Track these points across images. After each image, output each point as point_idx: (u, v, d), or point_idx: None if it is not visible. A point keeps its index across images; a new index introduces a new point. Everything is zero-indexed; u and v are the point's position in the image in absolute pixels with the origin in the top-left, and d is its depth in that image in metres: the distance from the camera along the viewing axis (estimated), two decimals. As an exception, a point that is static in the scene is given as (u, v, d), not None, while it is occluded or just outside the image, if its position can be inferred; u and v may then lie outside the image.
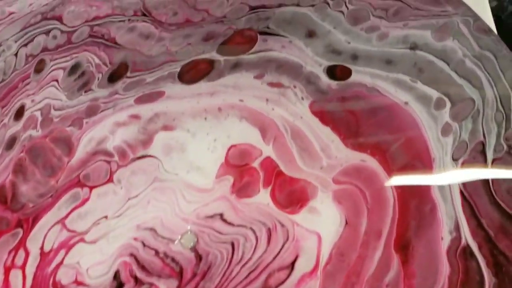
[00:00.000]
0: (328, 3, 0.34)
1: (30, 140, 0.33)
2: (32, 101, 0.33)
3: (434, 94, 0.34)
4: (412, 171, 0.34)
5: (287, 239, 0.35)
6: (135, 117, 0.35)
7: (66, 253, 0.33)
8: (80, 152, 0.34)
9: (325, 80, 0.35)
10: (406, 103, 0.34)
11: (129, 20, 0.34)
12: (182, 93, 0.35)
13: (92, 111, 0.34)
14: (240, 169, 0.35)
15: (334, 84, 0.35)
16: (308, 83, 0.35)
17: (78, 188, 0.34)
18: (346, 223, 0.34)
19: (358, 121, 0.35)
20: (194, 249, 0.34)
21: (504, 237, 0.31)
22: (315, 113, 0.35)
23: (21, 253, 0.33)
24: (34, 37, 0.33)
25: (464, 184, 0.33)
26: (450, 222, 0.32)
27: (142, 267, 0.34)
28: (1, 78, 0.33)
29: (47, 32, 0.33)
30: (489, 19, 0.40)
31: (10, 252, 0.32)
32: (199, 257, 0.34)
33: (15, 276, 0.32)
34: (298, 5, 0.34)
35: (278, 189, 0.35)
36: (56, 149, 0.34)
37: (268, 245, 0.35)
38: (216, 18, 0.34)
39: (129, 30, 0.34)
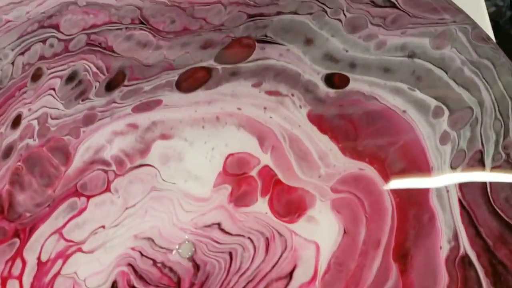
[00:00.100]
0: (326, 11, 0.34)
1: (27, 149, 0.33)
2: (29, 110, 0.33)
3: (432, 102, 0.34)
4: (410, 179, 0.34)
5: (285, 248, 0.35)
6: (133, 126, 0.35)
7: (64, 263, 0.33)
8: (77, 161, 0.34)
9: (323, 88, 0.35)
10: (404, 111, 0.34)
11: (126, 28, 0.34)
12: (179, 101, 0.35)
13: (89, 120, 0.34)
14: (238, 178, 0.35)
15: (332, 92, 0.35)
16: (306, 91, 0.35)
17: (75, 198, 0.34)
18: (345, 232, 0.34)
19: (356, 129, 0.35)
20: (192, 259, 0.35)
21: (502, 246, 0.31)
22: (313, 121, 0.35)
23: (18, 263, 0.33)
24: (31, 46, 0.33)
25: (463, 193, 0.33)
26: (448, 231, 0.32)
27: (140, 277, 0.34)
28: (-3, 86, 0.33)
29: (44, 41, 0.33)
30: (487, 27, 0.40)
31: (7, 262, 0.32)
32: (197, 267, 0.34)
33: (12, 286, 0.32)
34: (296, 13, 0.34)
35: (276, 198, 0.35)
36: (53, 158, 0.34)
37: (266, 255, 0.35)
38: (214, 26, 0.34)
39: (127, 39, 0.34)
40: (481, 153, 0.33)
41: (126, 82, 0.34)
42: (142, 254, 0.34)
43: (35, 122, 0.33)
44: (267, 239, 0.35)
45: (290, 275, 0.34)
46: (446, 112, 0.33)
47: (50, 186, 0.34)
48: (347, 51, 0.34)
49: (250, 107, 0.35)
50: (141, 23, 0.34)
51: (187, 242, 0.35)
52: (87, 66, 0.34)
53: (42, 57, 0.33)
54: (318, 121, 0.35)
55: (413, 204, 0.33)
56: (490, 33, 0.40)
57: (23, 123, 0.33)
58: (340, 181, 0.35)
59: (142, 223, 0.35)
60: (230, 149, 0.35)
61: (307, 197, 0.35)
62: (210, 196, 0.35)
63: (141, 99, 0.35)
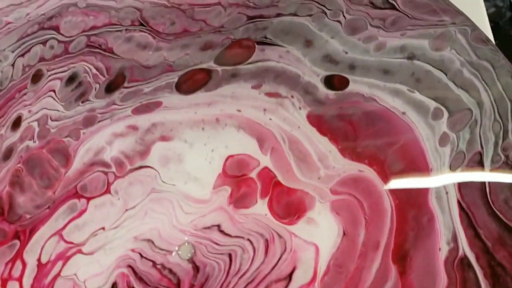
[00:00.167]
0: (325, 13, 0.34)
1: (27, 151, 0.33)
2: (29, 111, 0.33)
3: (431, 104, 0.34)
4: (410, 181, 0.34)
5: (285, 250, 0.35)
6: (133, 127, 0.35)
7: (64, 264, 0.33)
8: (77, 163, 0.34)
9: (322, 90, 0.35)
10: (403, 113, 0.34)
11: (126, 30, 0.34)
12: (179, 103, 0.35)
13: (89, 121, 0.34)
14: (237, 180, 0.35)
15: (331, 94, 0.35)
16: (306, 93, 0.35)
17: (75, 199, 0.34)
18: (344, 234, 0.34)
19: (356, 131, 0.35)
20: (191, 261, 0.35)
21: (501, 248, 0.31)
22: (313, 123, 0.35)
23: (18, 264, 0.33)
24: (31, 47, 0.33)
25: (462, 195, 0.33)
26: (447, 233, 0.32)
27: (140, 279, 0.34)
28: (-2, 88, 0.33)
29: (44, 42, 0.33)
30: (486, 28, 0.40)
31: (7, 264, 0.32)
32: (196, 269, 0.34)
33: (12, 288, 0.33)
34: (295, 15, 0.34)
35: (276, 200, 0.35)
36: (53, 160, 0.34)
37: (265, 257, 0.35)
38: (214, 28, 0.34)
39: (127, 40, 0.34)
40: (480, 154, 0.33)
41: (126, 84, 0.34)
42: (142, 256, 0.34)
43: (35, 124, 0.33)
44: (266, 240, 0.35)
45: (290, 276, 0.34)
46: (446, 114, 0.33)
47: (50, 187, 0.34)
48: (346, 52, 0.34)
49: (250, 109, 0.35)
50: (141, 24, 0.34)
51: (186, 243, 0.35)
52: (87, 68, 0.34)
53: (42, 59, 0.33)
54: (317, 122, 0.35)
55: (412, 206, 0.33)
56: (490, 34, 0.40)
57: (23, 124, 0.33)
58: (339, 182, 0.35)
59: (142, 224, 0.35)
60: (229, 150, 0.36)
61: (306, 198, 0.35)
62: (210, 197, 0.35)
63: (141, 101, 0.35)
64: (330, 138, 0.35)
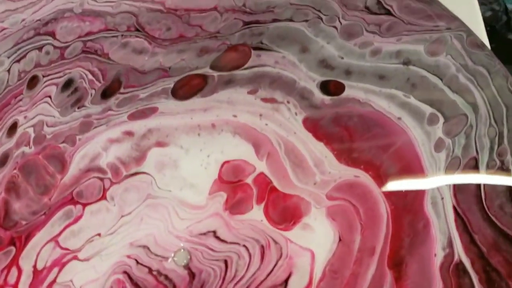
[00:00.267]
0: (321, 18, 0.34)
1: (23, 157, 0.33)
2: (25, 117, 0.33)
3: (427, 109, 0.34)
4: (405, 186, 0.34)
5: (281, 256, 0.35)
6: (128, 133, 0.35)
7: (59, 271, 0.33)
8: (73, 169, 0.34)
9: (318, 95, 0.35)
10: (399, 118, 0.34)
11: (122, 35, 0.34)
12: (175, 109, 0.35)
13: (85, 127, 0.34)
14: (233, 186, 0.35)
15: (327, 99, 0.35)
16: (302, 99, 0.35)
17: (71, 206, 0.34)
18: (340, 239, 0.34)
19: (352, 136, 0.35)
20: (187, 267, 0.35)
21: (496, 253, 0.32)
22: (309, 128, 0.35)
23: (14, 271, 0.33)
24: (26, 53, 0.33)
25: (457, 200, 0.33)
26: (443, 239, 0.32)
27: (136, 285, 0.34)
28: (-7, 94, 0.33)
29: (40, 48, 0.33)
30: (482, 33, 0.40)
31: (2, 270, 0.32)
32: (192, 275, 0.34)
33: (8, 294, 0.33)
34: (291, 20, 0.34)
35: (272, 206, 0.35)
36: (49, 166, 0.34)
37: (261, 263, 0.35)
38: (210, 33, 0.34)
39: (122, 46, 0.34)
40: (476, 160, 0.33)
41: (122, 90, 0.34)
42: (137, 262, 0.34)
43: (31, 130, 0.33)
44: (262, 246, 0.35)
45: (285, 283, 0.34)
46: (441, 119, 0.34)
47: (46, 194, 0.34)
48: (342, 58, 0.34)
49: (245, 114, 0.35)
50: (137, 30, 0.34)
51: (182, 250, 0.35)
52: (83, 74, 0.34)
53: (38, 65, 0.33)
54: (313, 128, 0.35)
55: (408, 212, 0.33)
56: (485, 39, 0.40)
57: (19, 130, 0.33)
58: (335, 188, 0.35)
59: (137, 231, 0.35)
60: (225, 156, 0.36)
61: (302, 204, 0.35)
62: (206, 203, 0.35)
63: (137, 107, 0.35)
64: (326, 143, 0.35)
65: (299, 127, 0.35)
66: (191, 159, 0.35)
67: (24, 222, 0.33)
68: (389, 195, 0.34)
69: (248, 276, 0.34)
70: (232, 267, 0.35)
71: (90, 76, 0.34)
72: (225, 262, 0.35)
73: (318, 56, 0.34)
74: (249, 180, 0.35)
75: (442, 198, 0.33)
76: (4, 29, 0.33)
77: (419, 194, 0.33)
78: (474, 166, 0.33)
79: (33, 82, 0.33)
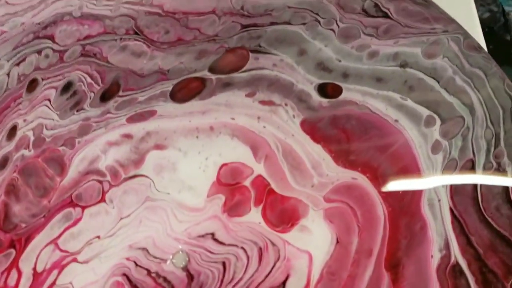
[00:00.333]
0: (319, 21, 0.34)
1: (22, 160, 0.34)
2: (24, 120, 0.33)
3: (424, 111, 0.34)
4: (403, 188, 0.34)
5: (278, 258, 0.35)
6: (127, 136, 0.35)
7: (59, 273, 0.33)
8: (73, 171, 0.34)
9: (316, 98, 0.35)
10: (396, 120, 0.34)
11: (121, 39, 0.34)
12: (174, 112, 0.35)
13: (84, 130, 0.34)
14: (231, 188, 0.35)
15: (325, 102, 0.35)
16: (300, 101, 0.35)
17: (71, 208, 0.34)
18: (337, 242, 0.35)
19: (349, 138, 0.35)
20: (185, 269, 0.35)
21: (493, 255, 0.32)
22: (306, 131, 0.35)
23: (14, 273, 0.33)
24: (26, 56, 0.33)
25: (454, 202, 0.33)
26: (440, 240, 0.33)
27: (135, 287, 0.34)
28: (-7, 98, 0.33)
29: (39, 51, 0.33)
30: (478, 35, 0.40)
31: (2, 273, 0.33)
32: (190, 277, 0.35)
33: (8, 297, 0.33)
34: (289, 23, 0.34)
35: (270, 208, 0.35)
36: (48, 169, 0.34)
37: (259, 265, 0.35)
38: (208, 36, 0.34)
39: (121, 49, 0.34)
40: (473, 162, 0.33)
41: (120, 93, 0.34)
42: (136, 264, 0.34)
43: (30, 133, 0.34)
44: (260, 249, 0.35)
45: (283, 284, 0.34)
46: (438, 122, 0.34)
47: (45, 196, 0.34)
48: (340, 61, 0.34)
49: (243, 117, 0.35)
50: (136, 33, 0.34)
51: (181, 252, 0.35)
52: (82, 77, 0.34)
53: (37, 68, 0.33)
54: (311, 130, 0.35)
55: (405, 214, 0.34)
56: (482, 42, 0.40)
57: (19, 134, 0.33)
58: (333, 190, 0.35)
59: (136, 233, 0.35)
60: (223, 159, 0.36)
61: (300, 206, 0.35)
62: (204, 206, 0.35)
63: (136, 110, 0.35)
64: (324, 145, 0.35)
65: (297, 129, 0.35)
66: (189, 162, 0.36)
67: (23, 225, 0.33)
68: (386, 197, 0.34)
69: (246, 278, 0.35)
70: (230, 269, 0.35)
71: (89, 79, 0.34)
72: (223, 264, 0.35)
73: (315, 58, 0.34)
74: (247, 182, 0.36)
75: (439, 200, 0.33)
76: (4, 32, 0.33)
77: (416, 196, 0.33)
78: (470, 168, 0.33)
79: (32, 85, 0.33)
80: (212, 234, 0.35)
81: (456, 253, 0.32)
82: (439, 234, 0.33)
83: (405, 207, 0.34)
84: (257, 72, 0.35)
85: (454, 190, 0.33)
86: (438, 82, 0.34)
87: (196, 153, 0.36)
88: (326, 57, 0.34)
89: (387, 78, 0.34)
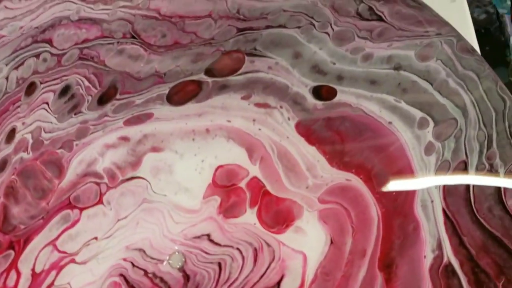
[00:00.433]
0: (313, 25, 0.34)
1: (21, 162, 0.34)
2: (23, 123, 0.34)
3: (417, 113, 0.34)
4: (396, 189, 0.34)
5: (273, 259, 0.35)
6: (124, 139, 0.36)
7: (57, 274, 0.34)
8: (70, 174, 0.35)
9: (311, 100, 0.35)
10: (390, 122, 0.34)
11: (118, 42, 0.34)
12: (170, 114, 0.35)
13: (82, 133, 0.35)
14: (227, 190, 0.36)
15: (319, 104, 0.35)
16: (294, 104, 0.35)
17: (69, 210, 0.35)
18: (331, 242, 0.35)
19: (343, 140, 0.35)
20: (182, 269, 0.35)
21: (485, 255, 0.32)
22: (301, 133, 0.35)
23: (13, 274, 0.33)
24: (24, 60, 0.33)
25: (447, 203, 0.33)
26: (433, 241, 0.33)
27: (132, 287, 0.35)
28: (-8, 101, 0.33)
29: (37, 55, 0.34)
30: (472, 38, 0.41)
31: (2, 274, 0.33)
32: (187, 277, 0.35)
33: (7, 297, 0.33)
34: (284, 27, 0.34)
35: (265, 209, 0.36)
36: (46, 171, 0.34)
37: (254, 265, 0.35)
38: (204, 40, 0.35)
39: (118, 53, 0.34)
40: (465, 163, 0.33)
41: (118, 96, 0.35)
42: (133, 265, 0.35)
43: (29, 136, 0.34)
44: (255, 249, 0.35)
45: (278, 285, 0.35)
46: (431, 124, 0.34)
47: (43, 198, 0.34)
48: (334, 63, 0.35)
49: (239, 119, 0.36)
50: (133, 37, 0.34)
51: (177, 253, 0.35)
52: (79, 80, 0.34)
53: (35, 72, 0.34)
54: (306, 132, 0.35)
55: (398, 214, 0.34)
56: (475, 44, 0.40)
57: (17, 137, 0.34)
58: (327, 191, 0.35)
59: (133, 234, 0.35)
60: (219, 161, 0.36)
61: (294, 208, 0.35)
62: (200, 207, 0.36)
63: (133, 113, 0.35)
64: (318, 147, 0.35)
65: (292, 131, 0.36)
66: (185, 164, 0.36)
67: (22, 226, 0.34)
68: (380, 198, 0.34)
69: (241, 278, 0.35)
70: (226, 269, 0.35)
71: (87, 83, 0.34)
72: (219, 264, 0.35)
73: (310, 61, 0.35)
74: (242, 184, 0.36)
75: (432, 201, 0.33)
76: (3, 36, 0.33)
77: (409, 197, 0.34)
78: (463, 169, 0.33)
79: (30, 88, 0.34)
80: (208, 235, 0.35)
81: (449, 253, 0.32)
82: (432, 234, 0.33)
83: (398, 208, 0.34)
84: (253, 75, 0.35)
85: (447, 191, 0.33)
86: (432, 85, 0.34)
87: (192, 155, 0.36)
88: (321, 60, 0.35)
89: (381, 80, 0.34)
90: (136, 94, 0.35)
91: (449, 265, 0.32)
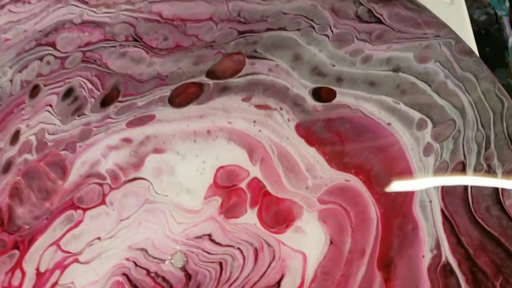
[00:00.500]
0: (313, 27, 0.34)
1: (25, 164, 0.34)
2: (27, 125, 0.34)
3: (416, 115, 0.34)
4: (395, 190, 0.35)
5: (274, 258, 0.35)
6: (127, 140, 0.36)
7: (61, 273, 0.34)
8: (74, 175, 0.35)
9: (310, 102, 0.35)
10: (389, 124, 0.35)
11: (120, 45, 0.34)
12: (172, 116, 0.36)
13: (85, 135, 0.35)
14: (228, 190, 0.36)
15: (319, 105, 0.35)
16: (294, 105, 0.36)
17: (72, 210, 0.35)
18: (331, 242, 0.35)
19: (343, 141, 0.35)
20: (183, 269, 0.35)
21: (483, 254, 0.32)
22: (301, 134, 0.36)
23: (18, 273, 0.33)
24: (28, 63, 0.34)
25: (445, 203, 0.33)
26: (431, 241, 0.33)
27: (134, 286, 0.35)
28: (-3, 104, 0.34)
29: (41, 58, 0.34)
30: (470, 39, 0.41)
31: (7, 273, 0.33)
32: (188, 277, 0.35)
33: (12, 296, 0.33)
34: (284, 29, 0.35)
35: (265, 209, 0.36)
36: (50, 172, 0.35)
37: (255, 265, 0.35)
38: (206, 42, 0.35)
39: (121, 55, 0.35)
40: (463, 164, 0.33)
41: (120, 98, 0.35)
42: (136, 264, 0.35)
43: (33, 138, 0.34)
44: (256, 249, 0.36)
45: (278, 284, 0.35)
46: (430, 125, 0.34)
47: (47, 199, 0.35)
48: (334, 65, 0.35)
49: (240, 121, 0.36)
50: (135, 40, 0.34)
51: (179, 252, 0.35)
52: (82, 83, 0.34)
53: (39, 74, 0.34)
54: (305, 133, 0.36)
55: (397, 215, 0.34)
56: (473, 46, 0.41)
57: (22, 138, 0.34)
58: (327, 192, 0.36)
59: (136, 234, 0.35)
60: (220, 162, 0.36)
61: (294, 208, 0.36)
62: (201, 208, 0.36)
63: (135, 114, 0.35)
64: (318, 148, 0.36)
65: (292, 133, 0.36)
66: (187, 165, 0.36)
67: (27, 227, 0.34)
68: (379, 198, 0.35)
69: (242, 277, 0.35)
70: (227, 269, 0.35)
71: (90, 85, 0.35)
72: (220, 264, 0.35)
73: (310, 63, 0.35)
74: (243, 184, 0.36)
75: (430, 201, 0.34)
76: (7, 40, 0.33)
77: (408, 197, 0.34)
78: (461, 170, 0.33)
79: (34, 91, 0.34)
80: (209, 235, 0.36)
81: (447, 253, 0.33)
82: (431, 234, 0.33)
83: (397, 208, 0.34)
84: (253, 77, 0.35)
85: (445, 191, 0.33)
86: (430, 86, 0.34)
87: (194, 156, 0.36)
88: (320, 62, 0.35)
89: (380, 82, 0.35)
90: (138, 96, 0.35)
91: (447, 264, 0.33)
